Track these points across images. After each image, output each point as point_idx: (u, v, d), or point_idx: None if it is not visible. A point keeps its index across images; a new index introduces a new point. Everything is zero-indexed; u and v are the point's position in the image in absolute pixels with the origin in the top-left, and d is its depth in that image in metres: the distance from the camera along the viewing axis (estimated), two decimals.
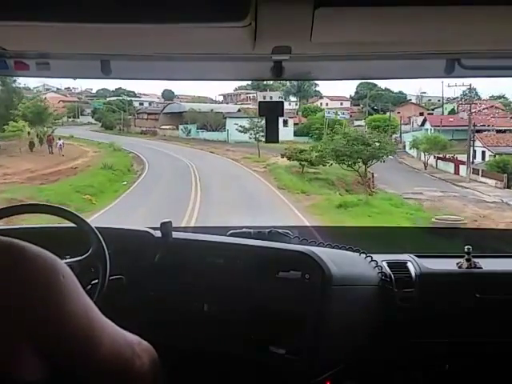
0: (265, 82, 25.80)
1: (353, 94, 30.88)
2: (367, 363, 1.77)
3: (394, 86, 30.59)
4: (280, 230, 1.92)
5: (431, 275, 1.86)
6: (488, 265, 1.90)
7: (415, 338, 1.82)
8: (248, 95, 31.74)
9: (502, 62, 1.40)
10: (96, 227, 1.64)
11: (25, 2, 0.93)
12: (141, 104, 32.70)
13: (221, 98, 33.74)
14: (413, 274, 1.84)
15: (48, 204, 1.86)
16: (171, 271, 1.79)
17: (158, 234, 1.84)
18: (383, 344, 1.79)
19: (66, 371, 0.90)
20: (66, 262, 1.50)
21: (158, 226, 1.83)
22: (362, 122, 25.23)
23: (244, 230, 1.95)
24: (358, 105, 29.60)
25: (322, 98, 31.11)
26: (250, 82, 29.85)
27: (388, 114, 25.75)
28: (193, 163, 19.29)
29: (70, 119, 31.52)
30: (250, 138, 20.67)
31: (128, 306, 1.72)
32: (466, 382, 1.97)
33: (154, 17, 0.95)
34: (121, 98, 31.41)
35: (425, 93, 31.39)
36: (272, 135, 1.54)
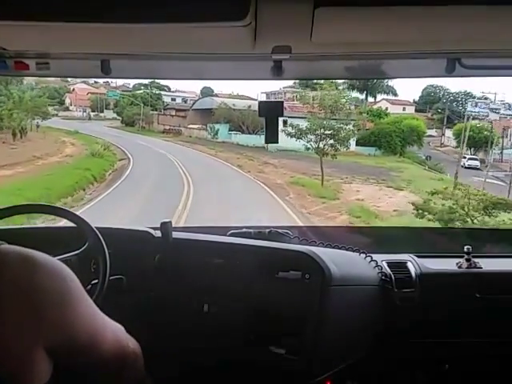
0: (315, 81, 21.10)
1: (417, 98, 25.99)
2: (367, 363, 1.77)
3: (476, 87, 25.18)
4: (280, 230, 1.92)
5: (431, 275, 1.86)
6: (488, 265, 1.90)
7: (415, 337, 1.82)
8: (295, 94, 27.15)
9: (502, 61, 1.40)
10: (96, 227, 1.64)
11: (25, 1, 0.93)
12: (173, 100, 28.12)
13: (263, 97, 27.78)
14: (413, 274, 1.84)
15: (48, 204, 1.87)
16: (171, 271, 1.79)
17: (158, 233, 1.84)
18: (383, 344, 1.79)
19: (71, 370, 0.93)
20: (64, 257, 1.52)
21: (158, 226, 1.84)
22: (434, 132, 21.32)
23: (244, 230, 1.95)
24: (424, 111, 24.67)
25: (378, 101, 25.66)
26: (297, 80, 24.28)
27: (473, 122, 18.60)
28: (190, 195, 11.49)
29: (94, 113, 28.98)
30: (310, 149, 14.45)
31: (128, 306, 1.72)
32: (466, 382, 1.97)
33: (153, 17, 0.95)
34: (148, 90, 26.82)
35: None
36: (272, 136, 1.54)
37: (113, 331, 1.00)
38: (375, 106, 24.51)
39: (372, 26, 1.05)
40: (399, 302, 1.80)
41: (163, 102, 27.01)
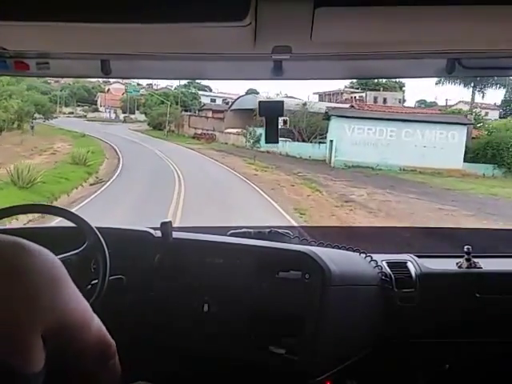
0: (376, 80, 19.50)
1: (498, 102, 21.59)
2: (367, 363, 1.77)
3: None
4: (280, 230, 1.92)
5: (431, 275, 1.86)
6: (488, 265, 1.90)
7: (415, 337, 1.82)
8: (353, 95, 23.99)
9: (502, 61, 1.40)
10: (96, 227, 1.64)
11: (25, 1, 0.93)
12: (212, 101, 24.72)
13: (315, 98, 23.62)
14: (413, 274, 1.84)
15: (48, 204, 1.87)
16: (171, 271, 1.79)
17: (158, 233, 1.84)
18: (383, 344, 1.79)
19: (59, 355, 0.93)
20: (64, 256, 1.52)
21: (158, 226, 1.83)
22: None
23: (244, 230, 1.94)
24: None
25: (453, 104, 22.00)
26: (355, 80, 20.57)
27: None
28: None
29: (125, 114, 26.57)
30: (399, 168, 11.18)
31: (128, 306, 1.72)
32: (466, 382, 1.97)
33: (153, 17, 0.95)
34: (185, 89, 22.94)
35: None
36: (272, 136, 1.54)
37: (97, 321, 1.01)
38: (454, 107, 20.77)
39: (372, 26, 1.05)
40: (399, 301, 1.80)
41: (200, 102, 23.41)
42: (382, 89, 20.11)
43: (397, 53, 1.30)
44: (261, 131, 14.81)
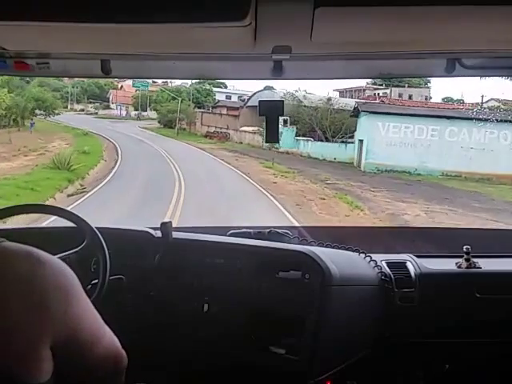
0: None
1: None
2: (367, 363, 1.77)
3: None
4: (280, 230, 1.92)
5: (431, 275, 1.86)
6: (487, 265, 1.90)
7: (415, 337, 1.82)
8: (376, 92, 22.30)
9: (502, 61, 1.40)
10: (96, 227, 1.64)
11: (25, 2, 0.93)
12: (228, 98, 23.35)
13: (335, 95, 20.99)
14: (412, 274, 1.84)
15: (48, 204, 1.87)
16: (171, 271, 1.79)
17: (158, 234, 1.84)
18: (383, 344, 1.79)
19: (68, 371, 0.93)
20: (63, 255, 1.52)
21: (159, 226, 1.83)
22: None
23: (244, 230, 1.94)
24: None
25: (486, 101, 18.41)
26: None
27: None
28: None
29: (137, 111, 25.15)
30: (445, 174, 9.29)
31: (128, 306, 1.72)
32: (466, 382, 1.97)
33: (153, 17, 0.95)
34: (199, 86, 21.06)
35: None
36: (272, 136, 1.54)
37: (109, 334, 1.00)
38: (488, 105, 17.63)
39: (372, 26, 1.05)
40: (399, 301, 1.80)
41: (214, 98, 21.66)
42: (406, 85, 18.49)
43: (397, 53, 1.30)
44: (280, 130, 12.17)
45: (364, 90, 23.76)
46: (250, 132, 17.01)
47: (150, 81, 20.59)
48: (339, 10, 0.96)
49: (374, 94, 22.41)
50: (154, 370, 1.70)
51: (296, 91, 17.08)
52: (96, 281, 1.59)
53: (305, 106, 14.56)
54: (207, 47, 1.21)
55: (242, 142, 16.83)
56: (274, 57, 1.33)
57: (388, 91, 21.37)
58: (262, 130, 14.42)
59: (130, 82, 23.50)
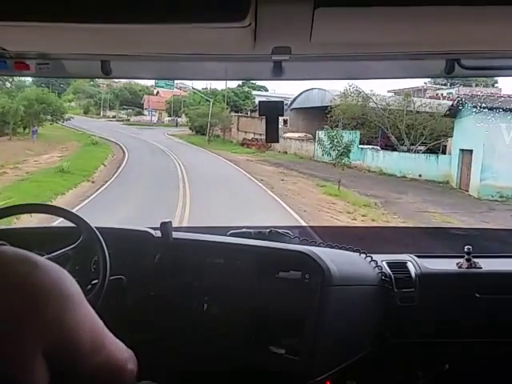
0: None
1: None
2: (367, 363, 1.77)
3: None
4: (280, 230, 1.92)
5: (431, 275, 1.86)
6: (488, 265, 1.91)
7: (415, 337, 1.82)
8: (439, 92, 19.58)
9: (501, 62, 1.40)
10: (96, 227, 1.65)
11: (25, 1, 0.93)
12: None
13: (389, 96, 18.38)
14: (413, 274, 1.84)
15: (48, 204, 1.88)
16: (171, 271, 1.79)
17: (158, 233, 1.84)
18: (383, 344, 1.79)
19: (66, 377, 0.91)
20: (60, 252, 1.53)
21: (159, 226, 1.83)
22: None
23: (244, 230, 1.94)
24: None
25: None
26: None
27: None
28: None
29: (171, 118, 24.24)
30: None
31: (128, 306, 1.72)
32: (466, 382, 1.97)
33: (153, 17, 0.95)
34: (237, 88, 18.85)
35: None
36: (272, 135, 1.54)
37: (114, 343, 0.98)
38: None
39: (372, 27, 1.05)
40: (399, 301, 1.80)
41: (253, 102, 19.16)
42: (474, 85, 15.62)
43: (396, 53, 1.30)
44: (348, 136, 9.60)
45: (425, 90, 20.90)
46: (296, 139, 14.32)
47: (176, 81, 18.13)
48: (339, 11, 0.96)
49: (437, 94, 19.58)
50: (153, 370, 1.71)
51: (347, 89, 13.22)
52: (96, 281, 1.59)
53: (375, 104, 11.33)
54: (207, 47, 1.21)
55: (286, 152, 13.67)
56: (273, 57, 1.33)
57: (453, 91, 18.47)
58: (309, 136, 11.86)
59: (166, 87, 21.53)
